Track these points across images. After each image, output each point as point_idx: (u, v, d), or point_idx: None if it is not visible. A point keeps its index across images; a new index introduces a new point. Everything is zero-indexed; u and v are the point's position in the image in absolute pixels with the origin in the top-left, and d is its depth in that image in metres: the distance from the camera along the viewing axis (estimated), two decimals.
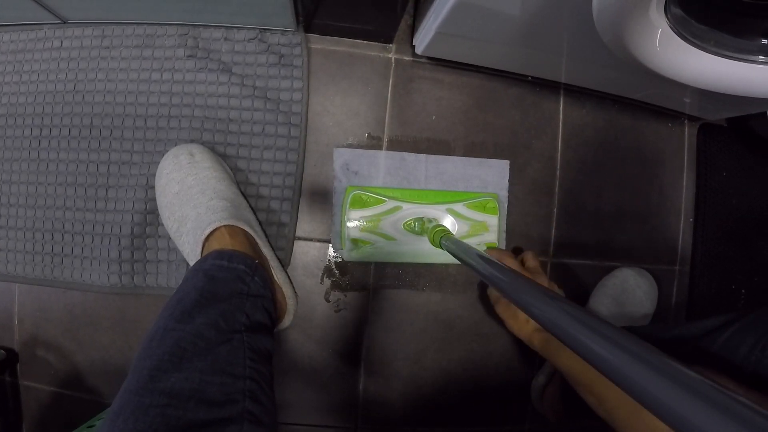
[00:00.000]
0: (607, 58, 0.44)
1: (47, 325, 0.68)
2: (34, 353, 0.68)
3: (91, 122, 0.66)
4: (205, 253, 0.53)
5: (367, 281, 0.70)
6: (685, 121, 0.79)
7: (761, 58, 0.40)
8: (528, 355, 0.73)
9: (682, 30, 0.37)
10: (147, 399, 0.34)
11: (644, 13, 0.34)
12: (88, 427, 0.58)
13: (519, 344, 0.73)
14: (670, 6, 0.35)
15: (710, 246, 0.78)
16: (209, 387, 0.37)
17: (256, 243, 0.58)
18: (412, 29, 0.68)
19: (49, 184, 0.66)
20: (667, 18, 0.36)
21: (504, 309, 0.59)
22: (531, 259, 0.61)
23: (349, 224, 0.67)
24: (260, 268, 0.53)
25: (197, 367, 0.38)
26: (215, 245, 0.53)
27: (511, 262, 0.58)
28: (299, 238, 0.68)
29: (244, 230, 0.56)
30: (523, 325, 0.56)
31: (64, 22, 0.67)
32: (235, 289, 0.48)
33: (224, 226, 0.55)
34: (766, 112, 0.68)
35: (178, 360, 0.38)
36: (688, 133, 0.79)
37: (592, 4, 0.35)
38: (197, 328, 0.41)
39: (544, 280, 0.59)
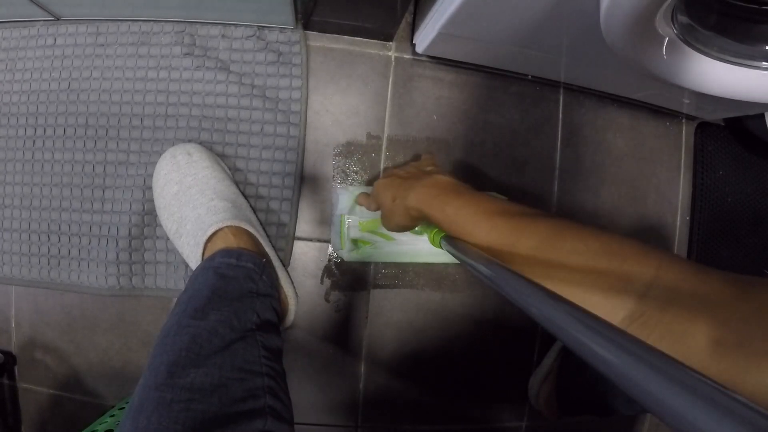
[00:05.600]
0: (611, 61, 0.44)
1: (45, 327, 0.67)
2: (32, 356, 0.67)
3: (86, 122, 0.65)
4: (207, 254, 0.53)
5: (367, 281, 0.70)
6: (683, 121, 0.79)
7: (764, 64, 0.40)
8: (525, 355, 0.74)
9: (687, 37, 0.37)
10: (168, 394, 0.34)
11: (651, 22, 0.34)
12: None
13: (517, 344, 0.74)
14: (677, 14, 0.35)
15: (706, 244, 0.79)
16: (230, 383, 0.37)
17: (260, 244, 0.58)
18: (413, 27, 0.67)
19: (44, 185, 0.65)
20: (674, 26, 0.36)
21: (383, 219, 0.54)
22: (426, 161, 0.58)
23: (349, 224, 0.67)
24: (267, 267, 0.53)
25: (215, 363, 0.38)
26: (219, 246, 0.53)
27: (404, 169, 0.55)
28: (299, 239, 0.67)
29: (247, 231, 0.56)
30: (400, 214, 0.49)
31: (58, 19, 0.65)
32: (245, 287, 0.48)
33: (227, 227, 0.54)
34: (763, 114, 0.68)
35: (195, 356, 0.37)
36: (685, 133, 0.79)
37: (600, 12, 0.35)
38: (212, 325, 0.41)
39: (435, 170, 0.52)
